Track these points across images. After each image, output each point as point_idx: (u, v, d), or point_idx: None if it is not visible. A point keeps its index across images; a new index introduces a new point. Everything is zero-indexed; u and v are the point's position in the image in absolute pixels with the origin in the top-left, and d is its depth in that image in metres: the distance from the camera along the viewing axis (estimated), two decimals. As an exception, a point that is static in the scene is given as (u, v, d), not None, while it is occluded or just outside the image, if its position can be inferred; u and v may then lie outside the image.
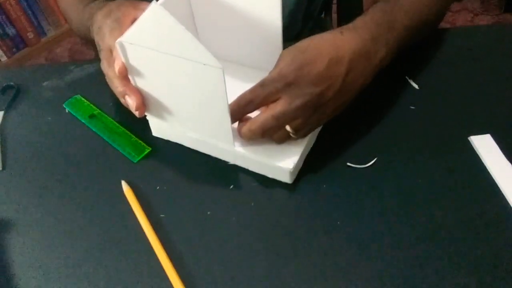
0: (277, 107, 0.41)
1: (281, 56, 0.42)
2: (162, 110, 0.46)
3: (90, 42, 0.58)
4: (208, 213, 0.46)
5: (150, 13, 0.37)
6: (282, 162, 0.43)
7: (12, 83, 0.61)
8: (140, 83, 0.44)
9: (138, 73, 0.43)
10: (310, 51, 0.41)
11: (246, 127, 0.43)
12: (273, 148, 0.44)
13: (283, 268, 0.41)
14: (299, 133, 0.43)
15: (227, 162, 0.47)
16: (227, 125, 0.42)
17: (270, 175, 0.45)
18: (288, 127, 0.42)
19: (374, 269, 0.40)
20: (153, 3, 0.36)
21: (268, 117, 0.41)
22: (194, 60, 0.37)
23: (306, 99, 0.40)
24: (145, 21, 0.38)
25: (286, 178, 0.45)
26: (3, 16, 1.67)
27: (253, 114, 0.43)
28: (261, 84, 0.41)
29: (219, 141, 0.45)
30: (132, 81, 0.44)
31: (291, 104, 0.40)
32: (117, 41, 0.40)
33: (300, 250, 0.42)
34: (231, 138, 0.44)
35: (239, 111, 0.42)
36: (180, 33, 0.36)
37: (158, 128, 0.50)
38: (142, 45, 0.39)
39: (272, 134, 0.43)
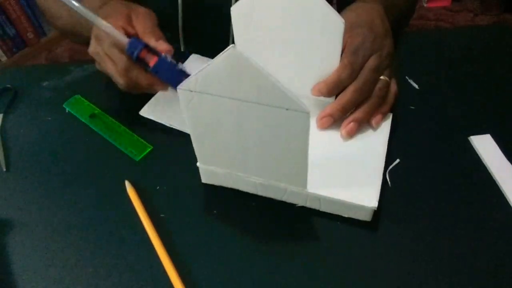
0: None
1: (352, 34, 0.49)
2: (221, 157, 0.44)
3: (79, 37, 0.60)
4: (215, 212, 0.46)
5: (226, 58, 0.34)
6: (364, 201, 0.42)
7: (9, 86, 0.61)
8: (199, 131, 0.42)
9: (199, 122, 0.40)
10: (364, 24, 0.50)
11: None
12: (348, 186, 0.43)
13: (283, 268, 0.41)
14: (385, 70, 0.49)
15: (295, 204, 0.45)
16: (303, 167, 0.41)
17: (345, 215, 0.44)
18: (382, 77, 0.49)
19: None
20: (231, 48, 0.33)
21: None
22: (279, 106, 0.35)
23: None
24: (218, 67, 0.35)
25: (366, 217, 0.44)
26: (3, 16, 1.67)
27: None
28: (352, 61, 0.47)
29: (290, 184, 0.44)
30: (190, 130, 0.42)
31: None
32: (179, 88, 0.38)
33: (303, 251, 0.42)
34: (305, 181, 0.42)
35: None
36: (263, 78, 0.33)
37: (211, 175, 0.47)
38: (213, 93, 0.37)
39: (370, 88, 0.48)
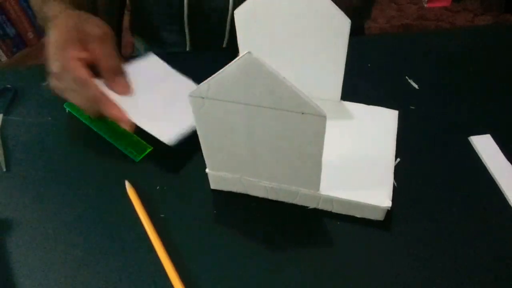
0: None
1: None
2: (231, 163, 0.43)
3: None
4: (215, 211, 0.46)
5: (241, 64, 0.33)
6: (378, 201, 0.42)
7: (9, 86, 0.61)
8: (210, 138, 0.41)
9: (209, 128, 0.40)
10: None
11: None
12: (360, 186, 0.43)
13: (284, 268, 0.41)
14: None
15: (307, 207, 0.45)
16: (316, 170, 0.41)
17: (358, 215, 0.44)
18: None
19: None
20: (246, 54, 0.32)
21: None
22: (295, 111, 0.35)
23: None
24: (232, 73, 0.34)
25: (379, 216, 0.44)
26: (3, 16, 1.67)
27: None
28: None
29: (302, 187, 0.43)
30: (200, 137, 0.42)
31: None
32: (190, 95, 0.37)
33: (313, 251, 0.42)
34: (318, 183, 0.42)
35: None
36: (279, 83, 0.33)
37: (220, 181, 0.46)
38: (226, 99, 0.36)
39: None
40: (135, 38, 0.86)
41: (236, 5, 0.66)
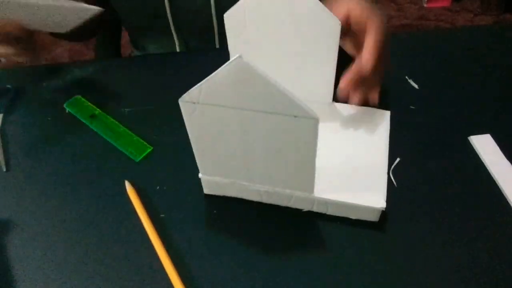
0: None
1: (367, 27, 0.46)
2: (225, 168, 0.43)
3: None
4: (215, 211, 0.46)
5: (232, 68, 0.33)
6: (372, 202, 0.42)
7: (9, 86, 0.61)
8: (202, 143, 0.41)
9: (202, 133, 0.40)
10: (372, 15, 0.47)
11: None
12: (354, 188, 0.43)
13: (280, 270, 0.41)
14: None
15: (301, 209, 0.45)
16: (310, 173, 0.40)
17: (353, 217, 0.44)
18: None
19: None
20: (237, 58, 0.32)
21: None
22: (287, 114, 0.35)
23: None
24: (223, 77, 0.34)
25: (374, 217, 0.44)
26: (3, 16, 1.66)
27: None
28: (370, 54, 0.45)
29: (296, 190, 0.43)
30: (192, 142, 0.41)
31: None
32: (181, 100, 0.37)
33: (308, 252, 0.42)
34: (312, 186, 0.42)
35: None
36: (271, 87, 0.33)
37: (214, 186, 0.46)
38: (218, 104, 0.36)
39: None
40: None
41: (217, 6, 0.64)
